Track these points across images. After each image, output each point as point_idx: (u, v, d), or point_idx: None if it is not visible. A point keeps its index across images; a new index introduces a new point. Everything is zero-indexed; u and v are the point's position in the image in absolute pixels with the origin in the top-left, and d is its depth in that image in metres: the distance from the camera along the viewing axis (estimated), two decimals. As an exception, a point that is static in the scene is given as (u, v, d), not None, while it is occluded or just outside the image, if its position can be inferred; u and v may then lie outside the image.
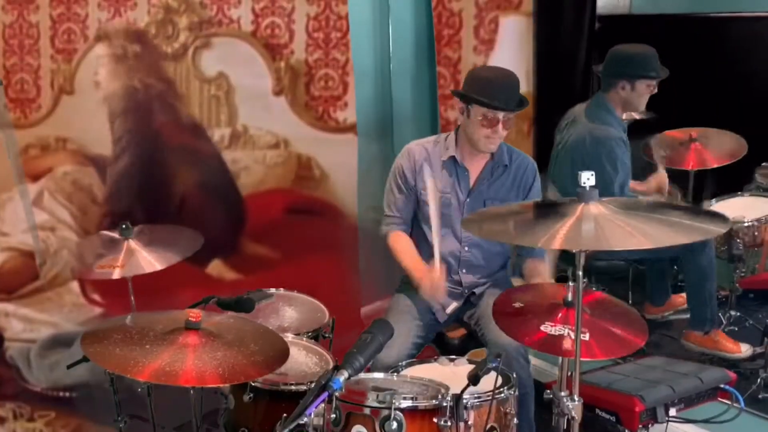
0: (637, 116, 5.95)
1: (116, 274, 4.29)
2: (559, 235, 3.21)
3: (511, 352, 4.17)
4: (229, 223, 6.09)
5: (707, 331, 5.72)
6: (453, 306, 4.76)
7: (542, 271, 4.67)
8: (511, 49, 6.63)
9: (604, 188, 5.35)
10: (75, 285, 5.50)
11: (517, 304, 3.80)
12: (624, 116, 5.78)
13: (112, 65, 5.55)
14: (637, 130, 5.93)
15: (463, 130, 4.70)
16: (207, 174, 5.98)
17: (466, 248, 4.76)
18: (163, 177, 5.77)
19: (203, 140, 5.92)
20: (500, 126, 4.54)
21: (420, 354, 4.64)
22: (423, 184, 4.71)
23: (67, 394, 5.52)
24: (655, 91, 5.70)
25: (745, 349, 5.68)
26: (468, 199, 4.72)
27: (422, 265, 4.61)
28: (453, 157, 4.73)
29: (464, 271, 4.78)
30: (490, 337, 4.45)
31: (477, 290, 4.80)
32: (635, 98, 5.69)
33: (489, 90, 4.51)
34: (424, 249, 4.78)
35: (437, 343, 4.84)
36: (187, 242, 4.55)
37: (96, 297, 5.54)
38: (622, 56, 5.71)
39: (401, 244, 4.79)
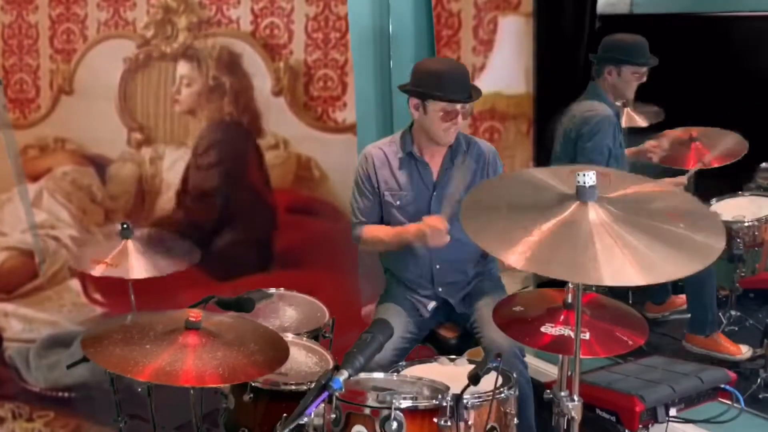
0: (643, 123, 5.98)
1: (98, 271, 4.29)
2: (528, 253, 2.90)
3: (508, 355, 4.16)
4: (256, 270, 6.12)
5: (708, 334, 5.73)
6: (432, 304, 4.79)
7: None
8: (510, 49, 6.64)
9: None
10: (75, 284, 5.51)
11: (517, 308, 3.81)
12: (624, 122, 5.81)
13: (203, 94, 5.61)
14: (638, 131, 5.93)
15: (420, 126, 4.68)
16: (259, 230, 6.01)
17: None
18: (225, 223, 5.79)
19: (267, 192, 5.97)
20: (460, 117, 4.56)
21: (417, 354, 4.64)
22: (385, 185, 4.74)
23: (66, 394, 5.52)
24: (644, 80, 5.74)
25: (745, 350, 5.70)
26: (435, 193, 4.71)
27: (406, 227, 4.60)
28: (410, 153, 4.73)
29: (437, 267, 4.76)
30: (488, 340, 4.45)
31: (452, 299, 4.79)
32: (622, 85, 5.73)
33: (444, 84, 4.51)
34: (393, 254, 4.81)
35: (433, 343, 4.84)
36: (183, 255, 4.54)
37: (97, 296, 5.54)
38: (611, 43, 5.76)
39: (375, 229, 4.76)
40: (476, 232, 3.08)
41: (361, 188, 4.81)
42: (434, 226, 4.39)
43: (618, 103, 5.79)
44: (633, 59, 5.68)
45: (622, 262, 2.86)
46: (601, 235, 2.94)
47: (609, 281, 2.81)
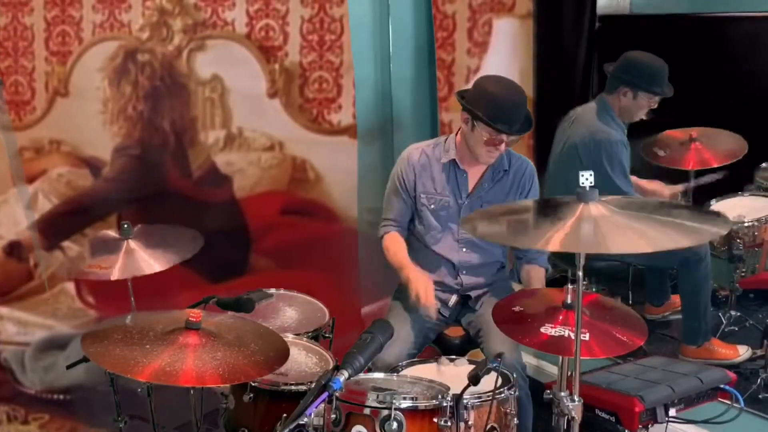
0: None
1: (114, 275, 4.23)
2: (557, 237, 3.21)
3: (509, 369, 4.16)
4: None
5: (700, 344, 5.73)
6: (454, 299, 4.80)
7: (539, 276, 4.70)
8: (505, 51, 6.63)
9: (605, 191, 5.43)
10: (71, 287, 5.48)
11: (516, 308, 3.80)
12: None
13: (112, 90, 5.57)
14: (638, 130, 5.91)
15: (464, 139, 4.67)
16: (221, 222, 5.99)
17: (464, 249, 4.76)
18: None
19: (222, 188, 5.95)
20: (503, 145, 4.54)
21: (420, 354, 4.64)
22: (423, 188, 4.73)
23: (62, 396, 5.50)
24: (655, 106, 5.69)
25: (743, 352, 5.69)
26: (467, 202, 4.71)
27: (413, 267, 4.62)
28: (453, 161, 4.72)
29: (464, 272, 4.79)
30: (490, 351, 4.41)
31: (473, 293, 4.81)
32: (633, 108, 5.68)
33: (497, 112, 4.45)
34: (422, 253, 4.82)
35: (437, 343, 4.84)
36: (187, 244, 4.51)
37: (91, 300, 5.52)
38: (634, 64, 5.66)
39: (395, 243, 4.79)
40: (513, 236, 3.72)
41: (396, 188, 4.83)
42: (425, 285, 4.49)
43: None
44: (652, 88, 5.62)
45: (628, 237, 3.23)
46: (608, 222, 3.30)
47: (617, 250, 3.29)
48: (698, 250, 5.57)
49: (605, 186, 5.44)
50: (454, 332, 4.84)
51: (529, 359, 4.93)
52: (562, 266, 5.56)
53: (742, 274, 5.90)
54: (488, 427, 3.63)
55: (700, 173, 6.07)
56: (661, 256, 5.45)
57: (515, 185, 4.77)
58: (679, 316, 5.91)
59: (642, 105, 5.67)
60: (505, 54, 6.63)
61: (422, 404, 3.51)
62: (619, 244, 3.22)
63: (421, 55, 6.34)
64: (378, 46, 6.11)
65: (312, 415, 3.33)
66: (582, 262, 3.37)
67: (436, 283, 4.74)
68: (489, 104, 4.48)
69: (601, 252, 3.24)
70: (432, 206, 4.74)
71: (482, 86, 4.60)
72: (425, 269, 4.77)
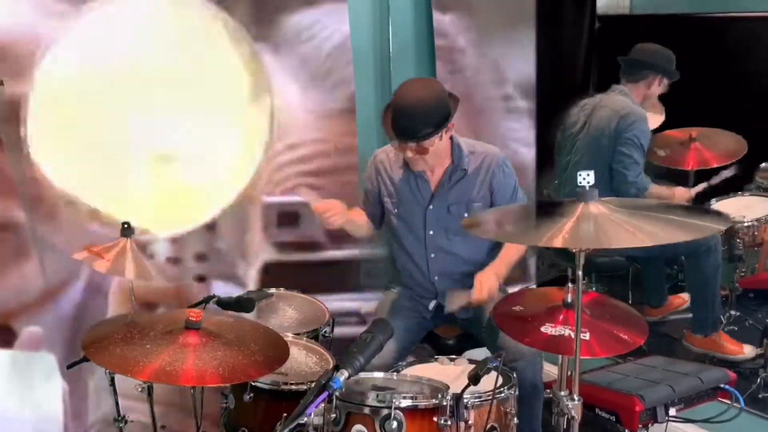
0: None
1: (98, 266, 4.08)
2: (558, 234, 3.21)
3: (527, 356, 4.21)
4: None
5: (707, 334, 5.74)
6: (433, 303, 4.77)
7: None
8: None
9: (626, 168, 5.47)
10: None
11: (517, 308, 3.80)
12: None
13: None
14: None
15: None
16: None
17: (433, 255, 4.68)
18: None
19: None
20: (408, 152, 4.42)
21: (415, 354, 4.64)
22: (386, 193, 4.74)
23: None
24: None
25: (748, 350, 5.70)
26: (430, 206, 4.63)
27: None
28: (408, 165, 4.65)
29: (437, 278, 4.72)
30: (507, 343, 4.13)
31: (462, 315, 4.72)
32: (656, 93, 5.89)
33: (393, 116, 4.35)
34: (399, 259, 4.83)
35: (432, 343, 4.84)
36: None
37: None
38: (660, 53, 5.87)
39: None
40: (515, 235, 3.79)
41: (366, 190, 4.87)
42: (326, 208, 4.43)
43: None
44: (675, 71, 5.85)
45: (629, 231, 3.20)
46: (608, 219, 3.29)
47: (618, 245, 3.28)
48: (706, 241, 5.57)
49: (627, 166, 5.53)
50: (448, 332, 4.84)
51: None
52: (562, 265, 5.56)
53: (742, 273, 5.93)
54: (488, 426, 3.62)
55: (700, 173, 6.09)
56: (668, 247, 5.51)
57: (480, 180, 4.61)
58: (680, 316, 5.93)
59: (661, 89, 5.90)
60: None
61: (422, 403, 3.50)
62: (620, 239, 3.21)
63: (421, 66, 6.31)
64: (378, 49, 6.09)
65: (312, 415, 3.31)
66: (582, 261, 3.37)
67: (414, 287, 4.82)
68: (393, 108, 4.38)
69: (602, 247, 3.26)
70: (395, 210, 4.71)
71: (395, 92, 4.45)
72: (403, 275, 4.84)
